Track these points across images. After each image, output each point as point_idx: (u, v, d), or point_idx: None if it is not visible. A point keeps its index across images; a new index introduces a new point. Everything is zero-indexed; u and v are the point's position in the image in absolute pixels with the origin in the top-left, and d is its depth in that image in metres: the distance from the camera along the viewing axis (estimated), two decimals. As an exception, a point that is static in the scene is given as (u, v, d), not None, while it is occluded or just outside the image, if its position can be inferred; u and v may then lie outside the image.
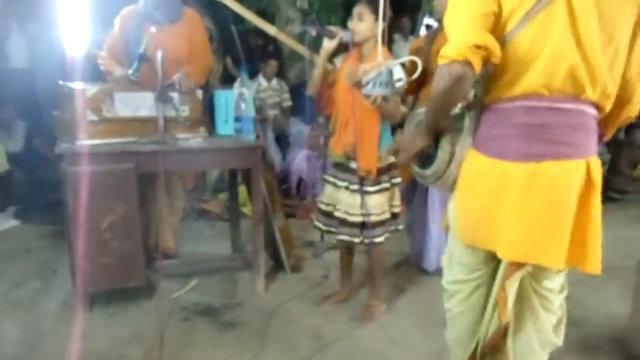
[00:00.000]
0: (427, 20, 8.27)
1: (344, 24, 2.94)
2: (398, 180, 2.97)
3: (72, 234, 2.82)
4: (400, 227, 3.06)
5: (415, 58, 2.23)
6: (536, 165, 1.65)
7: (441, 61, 1.62)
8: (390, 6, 2.50)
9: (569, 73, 1.60)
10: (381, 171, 2.86)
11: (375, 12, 2.70)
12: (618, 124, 1.85)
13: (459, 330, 2.01)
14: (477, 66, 1.58)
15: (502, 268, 1.83)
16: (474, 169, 1.77)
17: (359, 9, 2.77)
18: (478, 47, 1.57)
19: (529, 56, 1.62)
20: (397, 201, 2.99)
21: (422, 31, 7.44)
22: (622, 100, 1.75)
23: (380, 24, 2.52)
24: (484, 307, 1.93)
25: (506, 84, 1.67)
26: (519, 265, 1.76)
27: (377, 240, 2.90)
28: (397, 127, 2.96)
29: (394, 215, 2.99)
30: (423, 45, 3.25)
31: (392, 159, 2.91)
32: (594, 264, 1.71)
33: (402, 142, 1.98)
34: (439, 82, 1.66)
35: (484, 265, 1.89)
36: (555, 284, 1.83)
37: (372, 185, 2.85)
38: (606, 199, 1.76)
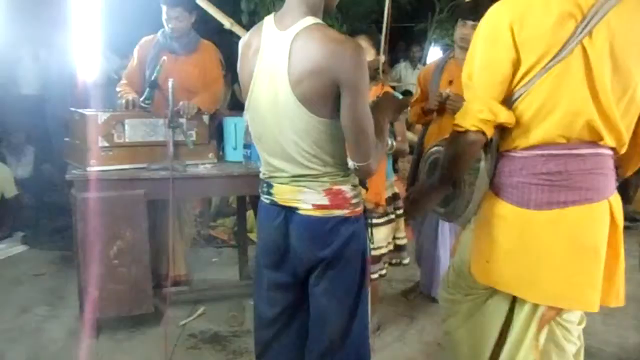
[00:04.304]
0: (433, 50, 8.35)
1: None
2: (402, 210, 2.89)
3: (80, 260, 2.81)
4: (406, 261, 2.97)
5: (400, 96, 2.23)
6: (560, 211, 1.65)
7: (456, 128, 1.69)
8: (389, 38, 2.42)
9: (585, 125, 1.61)
10: (386, 202, 2.83)
11: (375, 45, 2.69)
12: None
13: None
14: (490, 133, 1.67)
15: (524, 313, 1.80)
16: (496, 216, 1.76)
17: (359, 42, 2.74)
18: (488, 121, 1.63)
19: (546, 108, 1.62)
20: (401, 233, 2.91)
21: (429, 60, 7.51)
22: None
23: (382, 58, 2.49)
24: (488, 340, 1.90)
25: (523, 133, 1.68)
26: (556, 310, 1.74)
27: (372, 277, 2.72)
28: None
29: (398, 248, 2.91)
30: (431, 74, 3.25)
31: (395, 189, 2.87)
32: (619, 299, 1.72)
33: (416, 196, 1.93)
34: (453, 148, 1.73)
35: (481, 289, 1.88)
36: (575, 317, 1.82)
37: (380, 217, 2.80)
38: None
